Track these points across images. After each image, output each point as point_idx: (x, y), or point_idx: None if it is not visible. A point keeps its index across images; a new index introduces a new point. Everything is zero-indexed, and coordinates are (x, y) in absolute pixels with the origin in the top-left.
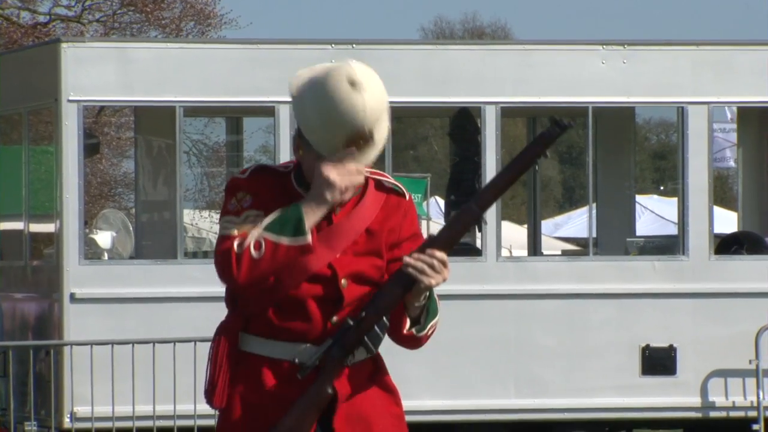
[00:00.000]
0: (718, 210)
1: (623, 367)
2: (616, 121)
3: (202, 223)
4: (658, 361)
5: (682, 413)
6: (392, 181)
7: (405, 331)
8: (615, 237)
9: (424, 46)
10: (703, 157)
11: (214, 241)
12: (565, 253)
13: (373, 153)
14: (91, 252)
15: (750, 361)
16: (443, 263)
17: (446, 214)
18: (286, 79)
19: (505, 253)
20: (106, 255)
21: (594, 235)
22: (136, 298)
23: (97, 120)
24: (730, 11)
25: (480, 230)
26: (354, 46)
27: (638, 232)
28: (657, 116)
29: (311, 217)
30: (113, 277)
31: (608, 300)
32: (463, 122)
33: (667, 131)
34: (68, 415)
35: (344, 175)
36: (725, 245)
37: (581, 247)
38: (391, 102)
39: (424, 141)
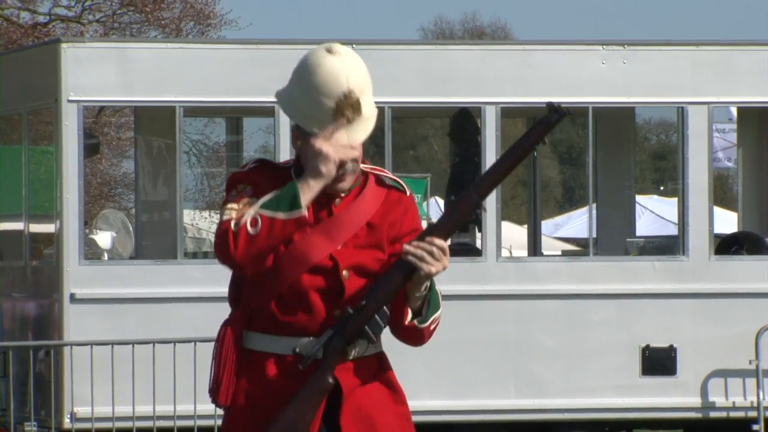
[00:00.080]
0: (718, 210)
1: (623, 368)
2: (616, 121)
3: (202, 224)
4: (658, 362)
5: (682, 413)
6: (393, 177)
7: (407, 323)
8: (615, 237)
9: (424, 47)
10: (703, 158)
11: (217, 258)
12: (565, 253)
13: (363, 127)
14: (91, 252)
15: (750, 362)
16: (443, 251)
17: None
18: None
19: (505, 253)
20: (106, 255)
21: (594, 235)
22: (136, 299)
23: (97, 120)
24: (730, 11)
25: (480, 228)
26: (354, 46)
27: (638, 233)
28: (657, 116)
29: (307, 192)
30: (113, 277)
31: (608, 300)
32: (463, 122)
33: (667, 131)
34: (68, 416)
35: (337, 148)
36: (725, 245)
37: (581, 248)
38: (391, 102)
39: (424, 141)
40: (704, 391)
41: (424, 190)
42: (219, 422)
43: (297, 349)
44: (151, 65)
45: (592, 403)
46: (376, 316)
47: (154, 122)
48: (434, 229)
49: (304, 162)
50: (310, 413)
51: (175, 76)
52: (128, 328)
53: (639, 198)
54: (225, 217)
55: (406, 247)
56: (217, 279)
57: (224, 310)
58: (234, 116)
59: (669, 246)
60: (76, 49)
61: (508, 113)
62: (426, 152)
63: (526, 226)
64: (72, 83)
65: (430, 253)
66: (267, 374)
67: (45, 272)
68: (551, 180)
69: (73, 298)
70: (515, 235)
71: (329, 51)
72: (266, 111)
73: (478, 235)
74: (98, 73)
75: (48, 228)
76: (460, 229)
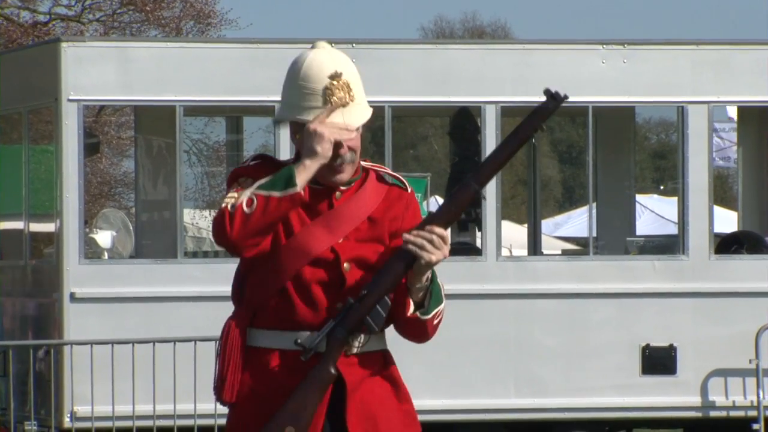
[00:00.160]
0: (718, 209)
1: (623, 367)
2: (616, 120)
3: (203, 223)
4: (658, 361)
5: (682, 413)
6: (394, 174)
7: (409, 314)
8: (615, 236)
9: (424, 46)
10: (703, 157)
11: (215, 241)
12: (565, 252)
13: (358, 111)
14: (91, 251)
15: (750, 361)
16: (443, 239)
17: None
18: None
19: (505, 252)
20: (106, 254)
21: (594, 234)
22: (136, 298)
23: (97, 119)
24: (729, 11)
25: (480, 227)
26: (354, 45)
27: (638, 232)
28: (657, 116)
29: (303, 173)
30: (113, 276)
31: (608, 299)
32: (463, 122)
33: (667, 131)
34: (68, 415)
35: (332, 129)
36: (725, 245)
37: (581, 247)
38: (391, 101)
39: (424, 140)
40: (704, 391)
41: (425, 190)
42: (219, 422)
43: (299, 340)
44: (151, 64)
45: (592, 403)
46: (378, 306)
47: (154, 121)
48: (434, 218)
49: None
50: (313, 404)
51: (175, 76)
52: (128, 327)
53: (639, 197)
54: (223, 205)
55: (406, 236)
56: (218, 278)
57: (224, 310)
58: (234, 115)
59: (669, 245)
60: (76, 49)
61: (508, 112)
62: (426, 151)
63: (526, 225)
64: (72, 82)
65: (430, 242)
66: (271, 370)
67: (45, 271)
68: (551, 179)
69: (73, 298)
70: (515, 234)
71: (314, 47)
72: (266, 110)
73: (478, 234)
74: (98, 72)
75: (48, 227)
76: (460, 217)
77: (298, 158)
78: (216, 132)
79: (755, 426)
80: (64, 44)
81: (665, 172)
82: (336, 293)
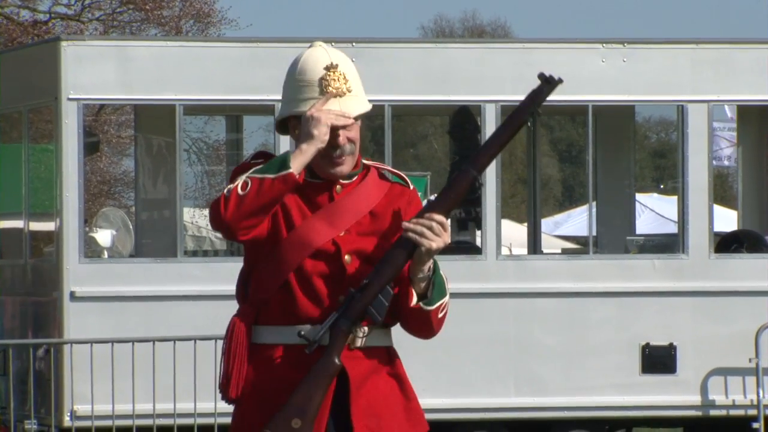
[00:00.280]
0: (718, 208)
1: (623, 366)
2: (616, 119)
3: (202, 222)
4: (658, 360)
5: (682, 412)
6: (395, 172)
7: (412, 305)
8: (615, 235)
9: (424, 45)
10: (703, 156)
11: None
12: (565, 251)
13: (355, 101)
14: (91, 250)
15: (750, 360)
16: (443, 225)
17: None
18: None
19: (505, 251)
20: (106, 253)
21: (594, 233)
22: (136, 297)
23: (97, 118)
24: (729, 9)
25: (480, 226)
26: (354, 44)
27: (638, 231)
28: (657, 114)
29: (299, 156)
30: (113, 275)
31: (608, 298)
32: (463, 121)
33: (667, 129)
34: (68, 414)
35: (328, 114)
36: (725, 244)
37: (581, 246)
38: (391, 100)
39: (424, 139)
40: (704, 390)
41: (425, 188)
42: (219, 420)
43: (302, 332)
44: (150, 63)
45: (592, 402)
46: (380, 296)
47: (154, 120)
48: (433, 206)
49: None
50: (319, 396)
51: (174, 75)
52: (128, 326)
53: (639, 196)
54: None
55: (406, 224)
56: (217, 277)
57: (224, 308)
58: (234, 114)
59: (669, 244)
60: (76, 48)
61: (508, 111)
62: (426, 150)
63: (525, 224)
64: (72, 81)
65: (430, 228)
66: (275, 365)
67: (45, 270)
68: (551, 178)
69: (73, 296)
70: (515, 233)
71: (311, 46)
72: (266, 109)
73: (478, 233)
74: (98, 71)
75: (48, 226)
76: (459, 204)
77: None
78: (216, 131)
79: (755, 425)
80: (63, 43)
81: (665, 171)
82: (337, 286)
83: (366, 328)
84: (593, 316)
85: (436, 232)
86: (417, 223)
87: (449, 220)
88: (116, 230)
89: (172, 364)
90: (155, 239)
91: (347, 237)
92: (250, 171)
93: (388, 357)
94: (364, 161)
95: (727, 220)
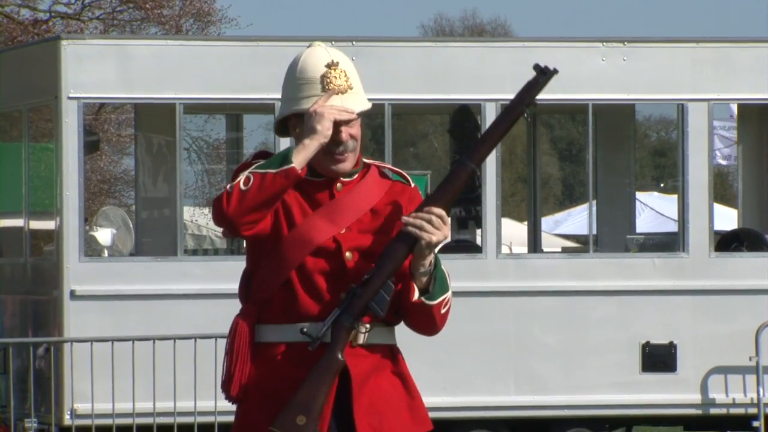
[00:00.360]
0: (718, 207)
1: (623, 364)
2: (616, 118)
3: (202, 220)
4: (658, 358)
5: (682, 410)
6: (396, 170)
7: (414, 299)
8: (615, 234)
9: (424, 44)
10: (703, 154)
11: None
12: (565, 250)
13: (356, 98)
14: (91, 249)
15: (750, 358)
16: (442, 219)
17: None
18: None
19: (505, 250)
20: (106, 252)
21: (594, 232)
22: (136, 295)
23: (97, 117)
24: (729, 8)
25: (480, 224)
26: (354, 43)
27: (638, 229)
28: (657, 113)
29: (302, 151)
30: (113, 274)
31: (608, 297)
32: (463, 119)
33: (667, 128)
34: (68, 412)
35: (331, 109)
36: (725, 242)
37: (581, 244)
38: (391, 99)
39: (424, 138)
40: (704, 388)
41: (425, 187)
42: (219, 419)
43: (305, 329)
44: (151, 62)
45: (592, 400)
46: (381, 291)
47: (154, 119)
48: (432, 199)
49: None
50: (323, 392)
51: (175, 73)
52: (128, 324)
53: (639, 195)
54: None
55: (405, 218)
56: (218, 276)
57: (224, 307)
58: (234, 113)
59: (669, 243)
60: (76, 46)
61: None
62: (426, 149)
63: (526, 222)
64: (72, 80)
65: (429, 222)
66: (278, 363)
67: (45, 269)
68: (551, 177)
69: (73, 295)
70: (515, 231)
71: (310, 46)
72: (266, 108)
73: (478, 231)
74: (98, 70)
75: (48, 225)
76: (458, 196)
77: None
78: (216, 129)
79: (755, 423)
80: (64, 42)
81: (665, 169)
82: (338, 283)
83: (368, 325)
84: (593, 314)
85: (436, 226)
86: (416, 216)
87: (449, 218)
88: (116, 229)
89: (173, 362)
90: (155, 238)
91: (348, 234)
92: (253, 167)
93: (391, 355)
94: (365, 160)
95: (727, 218)
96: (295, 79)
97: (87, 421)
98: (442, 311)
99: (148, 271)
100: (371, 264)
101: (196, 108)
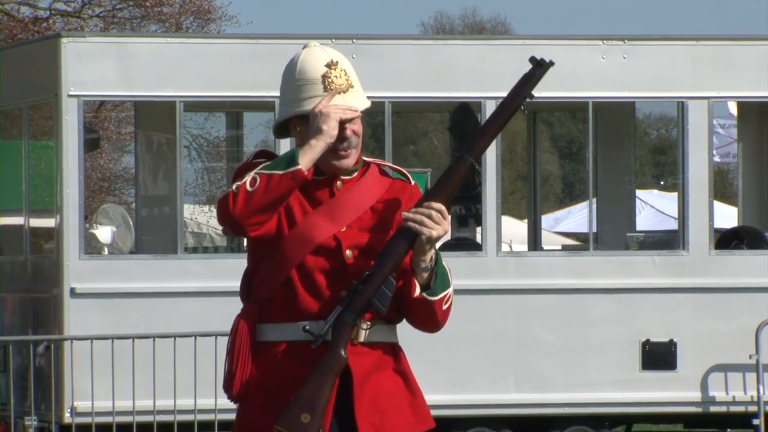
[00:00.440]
0: (718, 205)
1: (623, 362)
2: (616, 116)
3: (203, 218)
4: (658, 356)
5: (682, 408)
6: (396, 168)
7: (415, 295)
8: (615, 232)
9: (424, 41)
10: (703, 152)
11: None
12: (565, 248)
13: (358, 96)
14: (91, 247)
15: (750, 356)
16: (442, 213)
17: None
18: None
19: (505, 248)
20: (106, 250)
21: (594, 230)
22: (137, 293)
23: (98, 115)
24: (729, 6)
25: (480, 222)
26: (354, 41)
27: (638, 227)
28: (657, 111)
29: (309, 152)
30: (113, 271)
31: (608, 295)
32: (463, 117)
33: (667, 126)
34: (68, 410)
35: (336, 109)
36: (725, 240)
37: (581, 242)
38: (391, 97)
39: (424, 136)
40: (704, 386)
41: (425, 185)
42: (219, 417)
43: (307, 327)
44: (151, 60)
45: (592, 398)
46: (383, 287)
47: (154, 117)
48: (432, 194)
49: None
50: (326, 391)
51: (175, 71)
52: (128, 322)
53: (639, 193)
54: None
55: (405, 213)
56: (218, 274)
57: (224, 305)
58: (234, 111)
59: (669, 241)
60: (76, 44)
61: None
62: (426, 147)
63: (526, 220)
64: (72, 78)
65: (429, 217)
66: (280, 362)
67: (45, 267)
68: (551, 175)
69: (73, 293)
70: (515, 229)
71: (305, 46)
72: (266, 106)
73: (478, 229)
74: (98, 67)
75: (48, 223)
76: (458, 191)
77: None
78: (216, 127)
79: (755, 421)
80: (64, 40)
81: (665, 167)
82: (339, 281)
83: (369, 322)
84: (593, 312)
85: (436, 220)
86: (416, 212)
87: (449, 216)
88: (116, 227)
89: (173, 360)
90: (155, 236)
91: (348, 232)
92: (259, 167)
93: (393, 353)
94: (364, 158)
95: (727, 216)
96: (294, 81)
97: (87, 419)
98: (444, 307)
99: (148, 268)
100: (371, 262)
101: (196, 106)
